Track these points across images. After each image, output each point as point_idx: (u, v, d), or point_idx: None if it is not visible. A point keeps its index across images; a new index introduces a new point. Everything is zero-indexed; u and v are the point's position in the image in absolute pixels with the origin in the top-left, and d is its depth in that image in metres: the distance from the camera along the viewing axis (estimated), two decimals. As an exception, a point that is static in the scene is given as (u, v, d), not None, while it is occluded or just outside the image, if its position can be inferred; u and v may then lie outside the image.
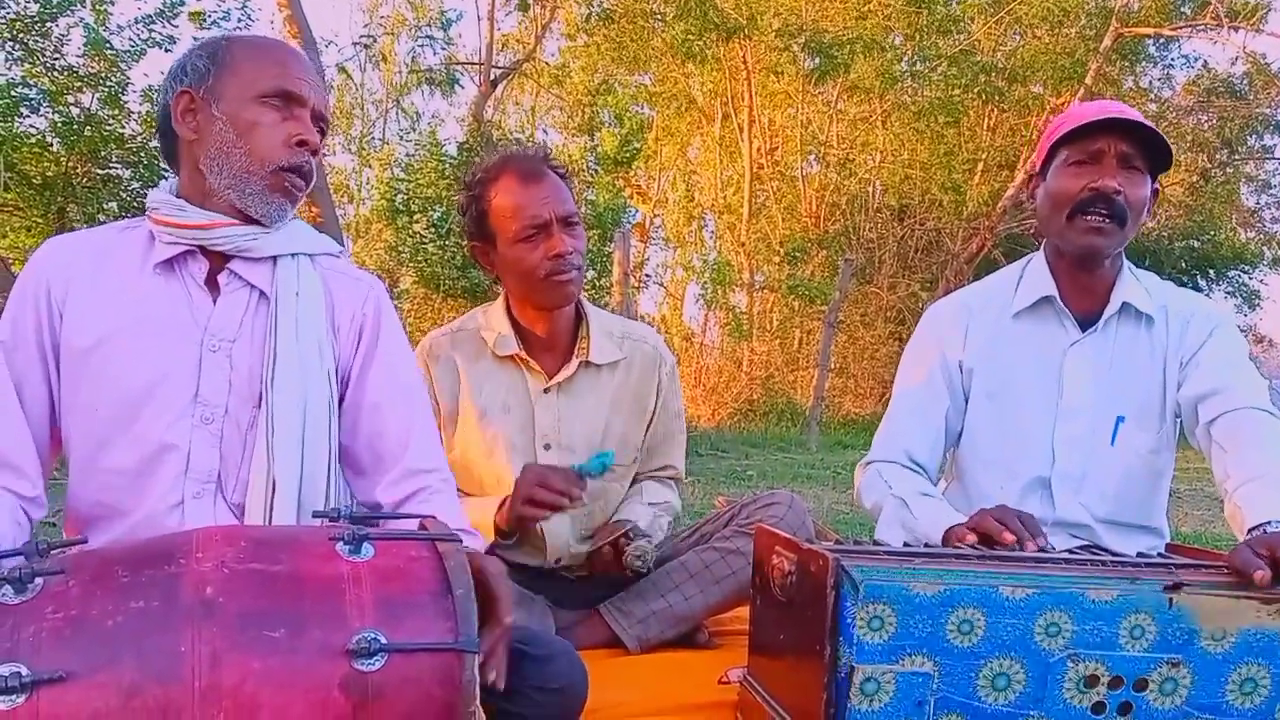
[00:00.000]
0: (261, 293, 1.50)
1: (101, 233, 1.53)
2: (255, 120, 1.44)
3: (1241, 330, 2.01)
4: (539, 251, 1.99)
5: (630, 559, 1.96)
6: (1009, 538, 1.50)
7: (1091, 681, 1.27)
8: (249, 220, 1.48)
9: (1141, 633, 1.27)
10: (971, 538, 1.55)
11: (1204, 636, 1.29)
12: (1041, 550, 1.47)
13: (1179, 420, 1.88)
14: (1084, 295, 1.90)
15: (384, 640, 1.01)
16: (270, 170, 1.44)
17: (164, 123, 1.52)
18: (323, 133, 1.53)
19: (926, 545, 1.58)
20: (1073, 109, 1.91)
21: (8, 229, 7.95)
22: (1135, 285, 1.91)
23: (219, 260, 1.49)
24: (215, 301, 1.48)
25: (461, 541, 1.15)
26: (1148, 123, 1.79)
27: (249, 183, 1.45)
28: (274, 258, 1.51)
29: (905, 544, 1.58)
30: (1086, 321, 1.90)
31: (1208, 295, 14.08)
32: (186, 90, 1.47)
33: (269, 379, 1.45)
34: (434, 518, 1.23)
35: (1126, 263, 1.92)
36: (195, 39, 7.89)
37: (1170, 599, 1.28)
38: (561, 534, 2.08)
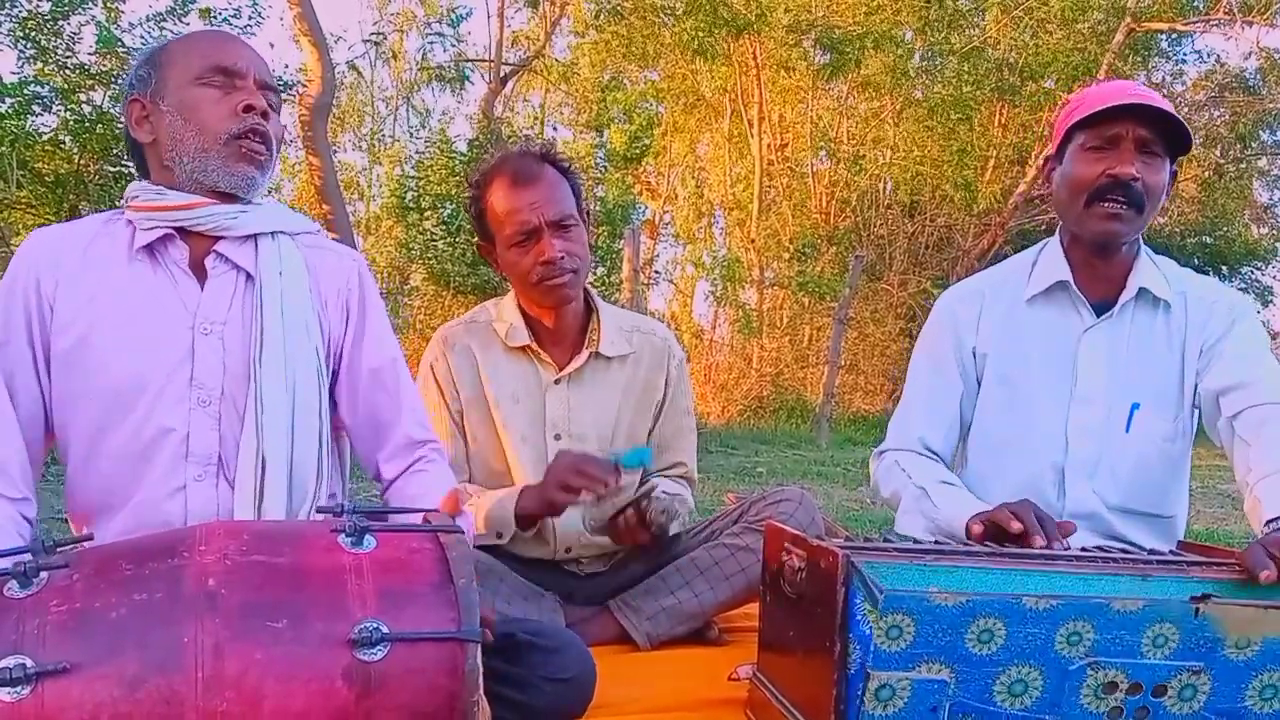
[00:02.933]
0: (248, 275, 1.51)
1: (85, 224, 1.55)
2: (197, 100, 1.47)
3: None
4: (530, 257, 1.99)
5: (654, 515, 1.91)
6: (1016, 526, 1.48)
7: (1110, 688, 1.25)
8: (226, 201, 1.50)
9: (1164, 641, 1.26)
10: (978, 528, 1.54)
11: (1228, 645, 1.27)
12: (1048, 547, 1.46)
13: (1197, 410, 1.86)
14: (1100, 281, 1.87)
15: (386, 630, 1.01)
16: (223, 141, 1.47)
17: (128, 136, 1.55)
18: (274, 106, 1.54)
19: (938, 540, 1.57)
20: (1089, 91, 1.87)
21: (20, 226, 7.98)
22: (1153, 271, 1.88)
23: (200, 245, 1.51)
24: (203, 286, 1.49)
25: (464, 533, 1.15)
26: (1166, 106, 1.75)
27: (208, 158, 1.47)
28: (255, 238, 1.53)
29: (915, 540, 1.57)
30: (1102, 307, 1.87)
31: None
32: (136, 99, 1.51)
33: (256, 358, 1.47)
34: (438, 511, 1.23)
35: (1144, 248, 1.89)
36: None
37: (1197, 609, 1.25)
38: (571, 523, 2.08)
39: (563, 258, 1.98)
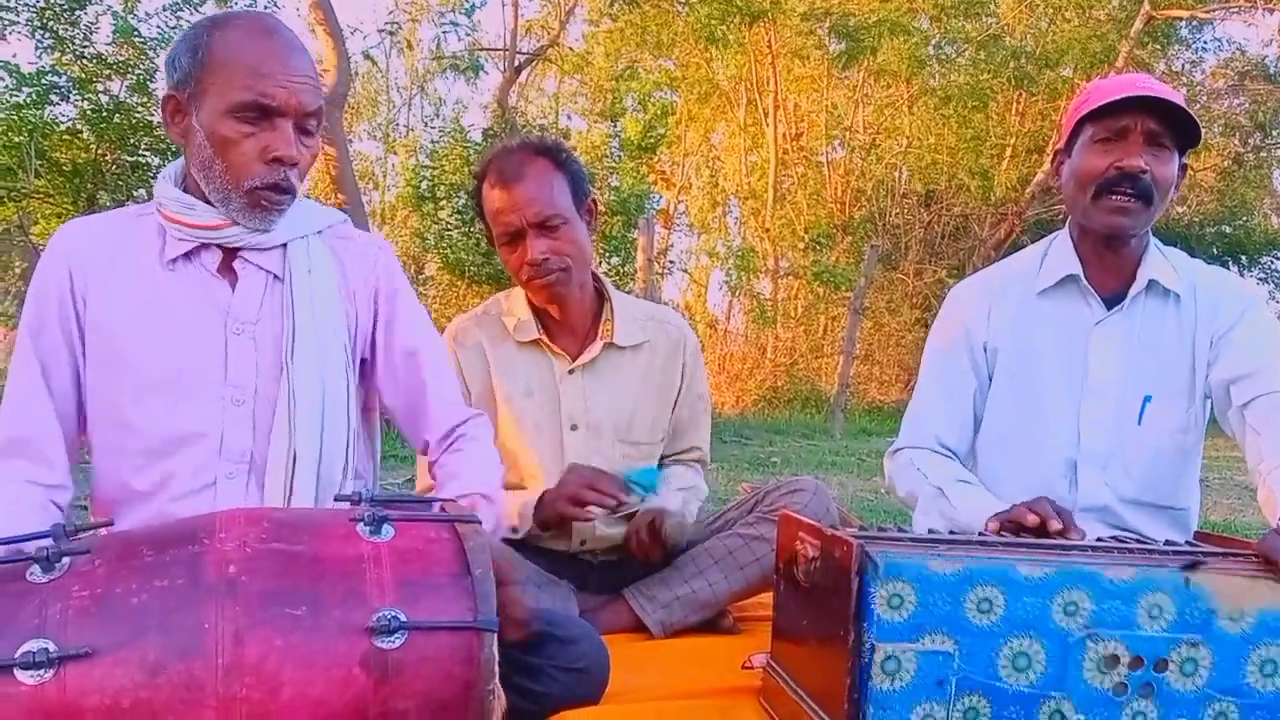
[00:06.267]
0: (275, 274, 1.52)
1: (116, 218, 1.55)
2: (228, 136, 1.41)
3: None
4: (516, 256, 2.01)
5: (670, 531, 1.94)
6: (1032, 519, 1.48)
7: (1112, 662, 1.27)
8: None
9: (1160, 612, 1.27)
10: (995, 526, 1.53)
11: (1222, 616, 1.28)
12: (1064, 535, 1.46)
13: (1208, 401, 1.86)
14: (1109, 273, 1.87)
15: (404, 618, 1.02)
16: (246, 190, 1.43)
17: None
18: (308, 131, 1.48)
19: (953, 532, 1.57)
20: (1098, 84, 1.87)
21: (39, 216, 8.04)
22: (1162, 263, 1.88)
23: (230, 248, 1.51)
24: (234, 287, 1.50)
25: (480, 524, 1.15)
26: (1175, 99, 1.75)
27: (230, 199, 1.45)
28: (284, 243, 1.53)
29: (930, 530, 1.57)
30: (1112, 300, 1.87)
31: (1240, 282, 13.84)
32: (172, 95, 1.45)
33: (289, 355, 1.47)
34: (454, 500, 1.23)
35: (1154, 240, 1.89)
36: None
37: (1187, 578, 1.27)
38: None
39: (547, 259, 1.98)
